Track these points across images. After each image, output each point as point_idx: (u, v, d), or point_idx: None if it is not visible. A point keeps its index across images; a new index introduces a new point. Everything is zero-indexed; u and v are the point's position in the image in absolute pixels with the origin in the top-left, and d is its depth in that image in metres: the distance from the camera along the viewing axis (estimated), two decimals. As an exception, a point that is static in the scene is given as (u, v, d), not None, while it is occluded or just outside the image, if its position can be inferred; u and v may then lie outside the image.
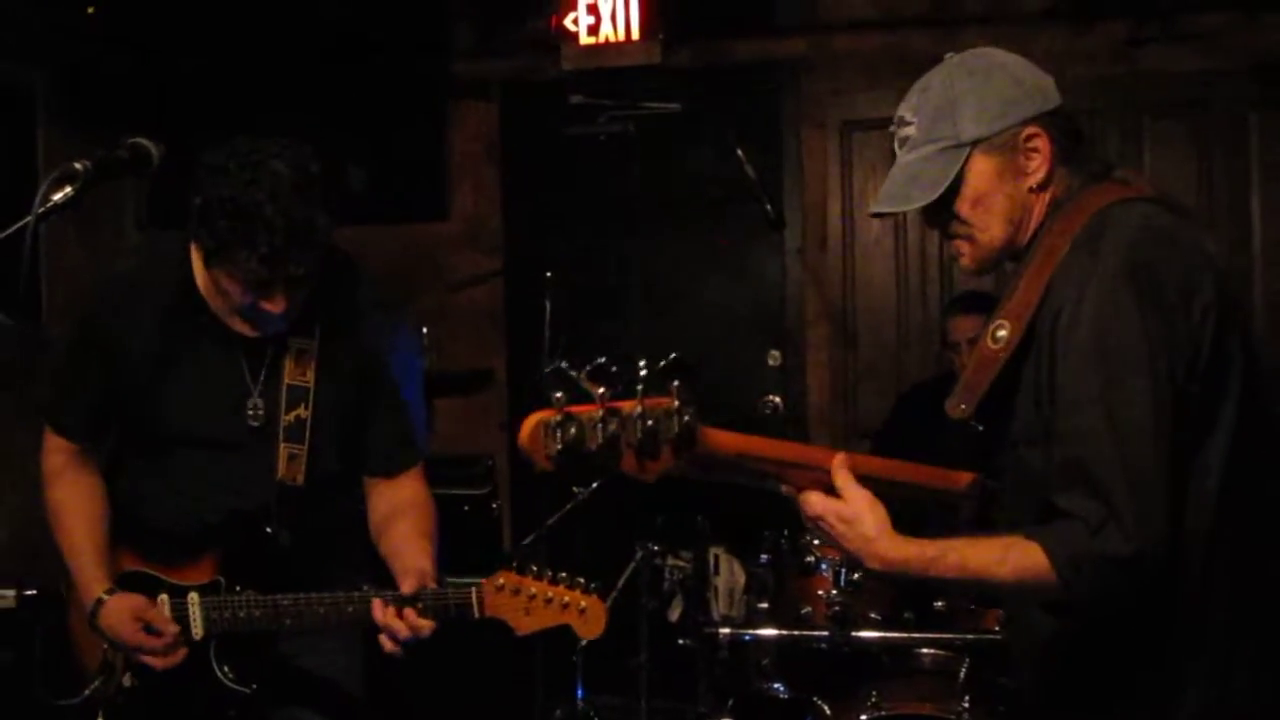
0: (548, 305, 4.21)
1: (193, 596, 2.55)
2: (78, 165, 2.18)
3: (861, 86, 5.40)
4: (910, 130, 2.09)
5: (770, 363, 5.66)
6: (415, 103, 5.73)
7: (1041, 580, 1.85)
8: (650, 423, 1.75)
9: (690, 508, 4.13)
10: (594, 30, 5.37)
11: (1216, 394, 1.92)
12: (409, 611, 2.41)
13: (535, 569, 2.44)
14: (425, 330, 5.63)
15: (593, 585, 2.44)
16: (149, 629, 2.52)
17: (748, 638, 3.90)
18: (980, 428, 2.09)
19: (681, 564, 4.19)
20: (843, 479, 1.94)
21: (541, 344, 4.28)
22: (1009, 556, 1.87)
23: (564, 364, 1.76)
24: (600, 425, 1.71)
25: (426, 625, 2.41)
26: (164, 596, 2.56)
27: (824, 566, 3.83)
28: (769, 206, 4.32)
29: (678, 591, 4.20)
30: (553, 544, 4.42)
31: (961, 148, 2.04)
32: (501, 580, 2.42)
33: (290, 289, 2.39)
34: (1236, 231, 5.03)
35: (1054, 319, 1.94)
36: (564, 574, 2.45)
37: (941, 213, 2.08)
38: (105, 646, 2.59)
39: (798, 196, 5.46)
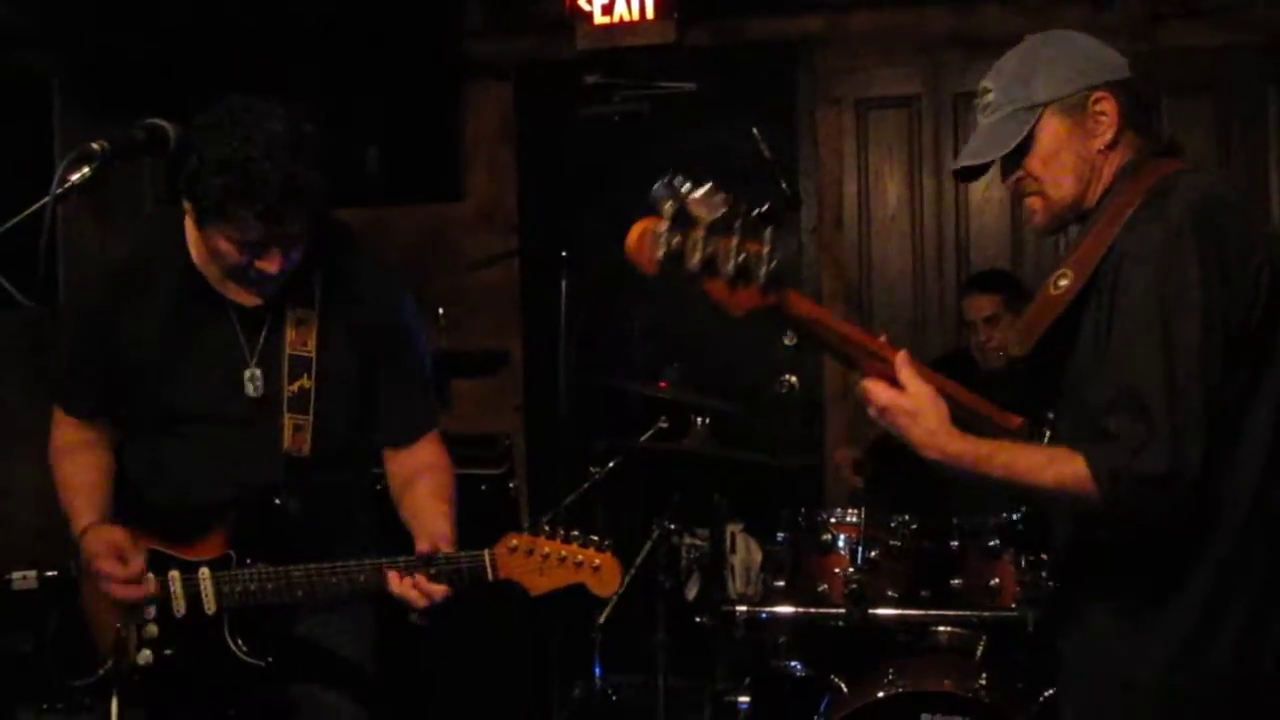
0: (564, 285, 4.20)
1: (204, 572, 2.55)
2: (95, 146, 2.19)
3: (877, 64, 5.38)
4: (990, 97, 2.29)
5: (786, 342, 5.64)
6: (429, 84, 5.71)
7: (1080, 490, 1.99)
8: (743, 258, 1.86)
9: (707, 486, 4.13)
10: (608, 9, 5.37)
11: (1266, 357, 2.07)
12: (421, 576, 2.40)
13: (548, 529, 2.43)
14: (441, 311, 5.64)
15: (606, 543, 2.41)
16: (119, 558, 2.52)
17: (764, 616, 3.92)
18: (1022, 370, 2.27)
19: (698, 542, 4.21)
20: (907, 373, 2.08)
21: (558, 324, 4.28)
22: (1053, 464, 2.03)
23: (679, 178, 1.82)
24: (701, 245, 1.83)
25: (440, 590, 2.40)
26: (174, 573, 2.56)
27: (841, 545, 3.84)
28: (785, 185, 4.30)
29: (695, 570, 4.22)
30: (570, 524, 4.43)
31: (1035, 108, 2.22)
32: (515, 541, 2.41)
33: (285, 247, 2.39)
34: (1255, 206, 4.99)
35: (1118, 265, 2.09)
36: (576, 532, 2.43)
37: (1015, 169, 2.26)
38: (118, 625, 2.60)
39: (813, 175, 5.43)
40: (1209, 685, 2.11)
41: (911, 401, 2.06)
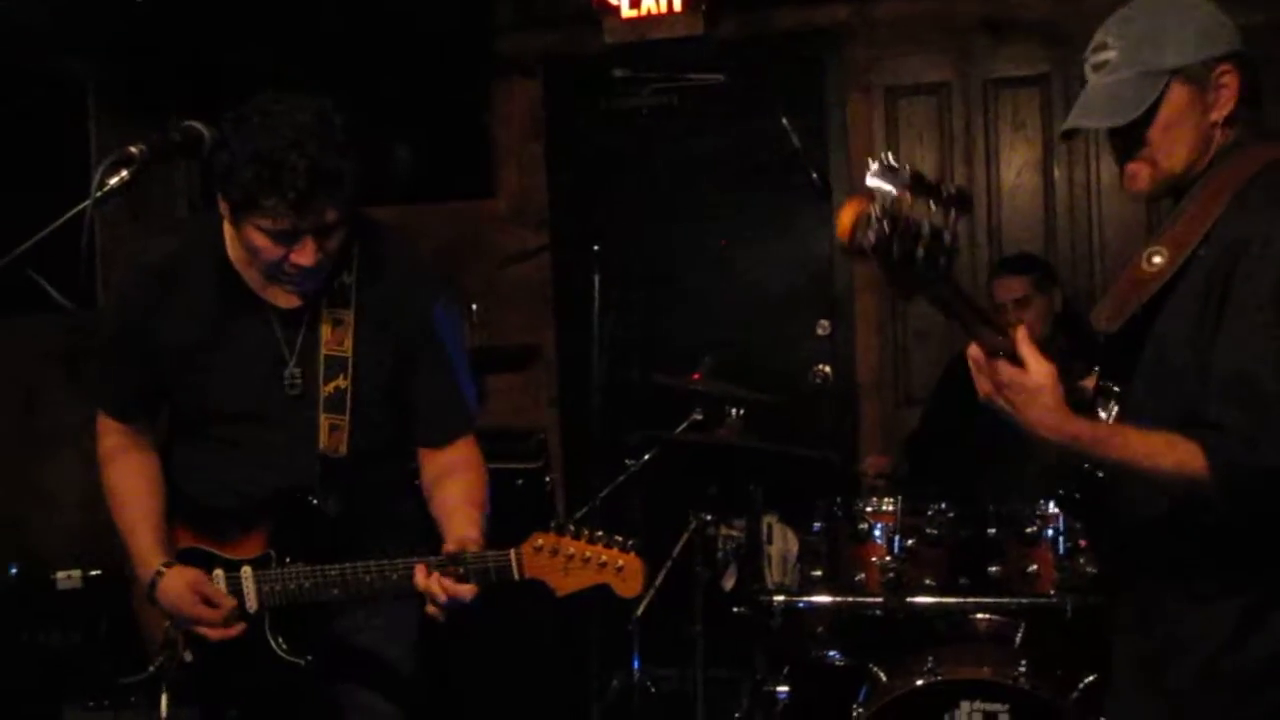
0: (596, 279, 4.21)
1: (245, 570, 2.58)
2: (133, 149, 2.22)
3: (905, 52, 5.35)
4: (1110, 54, 2.21)
5: (819, 332, 5.67)
6: (458, 81, 5.74)
7: (1196, 477, 1.98)
8: (934, 244, 1.78)
9: (742, 477, 4.14)
10: (636, 3, 5.37)
11: None
12: (448, 575, 2.41)
13: (573, 529, 2.43)
14: (475, 307, 5.67)
15: (630, 543, 2.41)
16: (206, 602, 2.56)
17: (802, 605, 3.93)
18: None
19: (735, 533, 4.21)
20: (1030, 349, 2.02)
21: (590, 318, 4.30)
22: (1172, 451, 2.01)
23: (894, 160, 1.82)
24: (903, 234, 1.76)
25: (466, 589, 2.41)
26: (219, 571, 2.60)
27: (877, 534, 3.84)
28: (815, 175, 4.30)
29: (731, 561, 4.22)
30: (606, 516, 4.44)
31: (1162, 74, 2.16)
32: (540, 541, 2.42)
33: (319, 238, 2.40)
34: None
35: (1235, 248, 2.05)
36: (601, 532, 2.43)
37: (1131, 134, 2.20)
38: (167, 624, 2.64)
39: (843, 164, 5.42)
40: (1254, 670, 2.10)
41: (1034, 379, 2.01)
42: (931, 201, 1.79)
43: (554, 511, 4.97)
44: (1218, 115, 2.17)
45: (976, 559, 3.81)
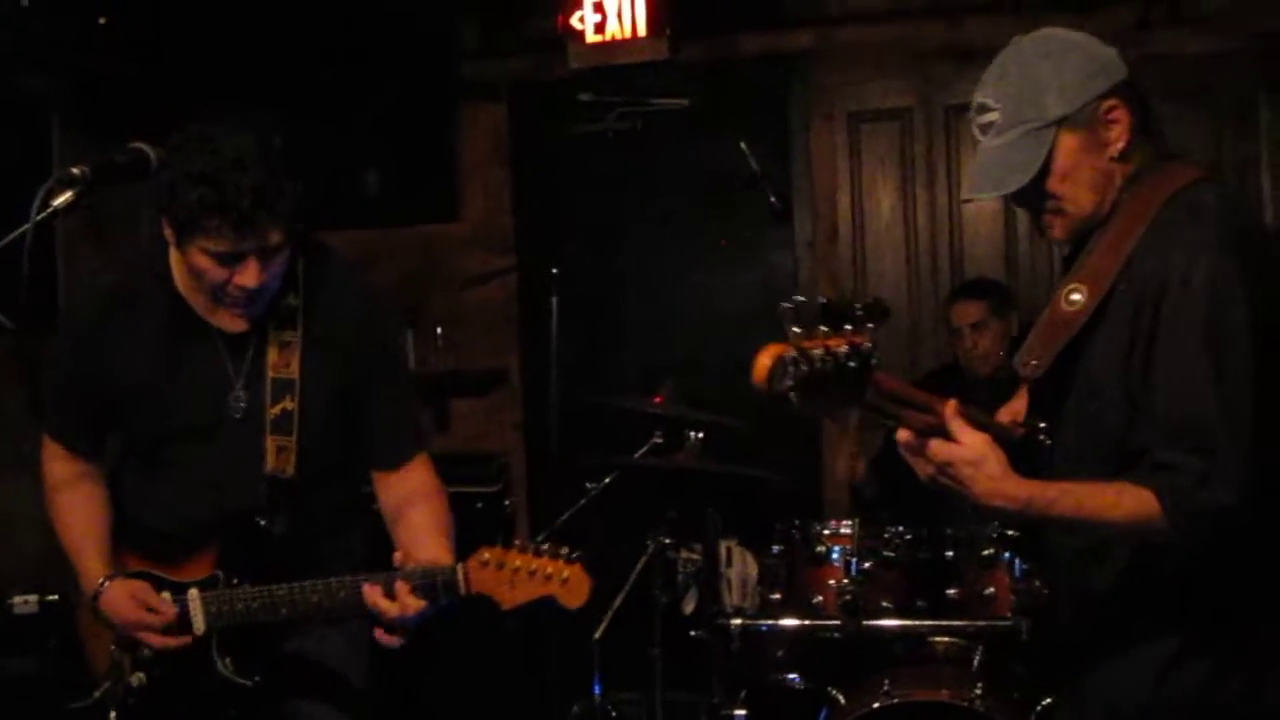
0: (554, 302, 4.22)
1: (192, 592, 2.58)
2: (75, 170, 2.22)
3: (869, 78, 5.40)
4: (994, 116, 2.20)
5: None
6: (424, 105, 5.75)
7: (1151, 524, 1.99)
8: (853, 365, 1.75)
9: (702, 500, 4.13)
10: (600, 28, 5.37)
11: None
12: (396, 591, 2.42)
13: (518, 543, 2.44)
14: (439, 330, 5.67)
15: (575, 554, 2.42)
16: (149, 609, 2.56)
17: (764, 628, 3.92)
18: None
19: (695, 557, 4.20)
20: (959, 424, 2.00)
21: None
22: (1123, 501, 2.00)
23: (802, 299, 1.76)
24: (821, 367, 1.72)
25: (416, 604, 2.41)
26: (165, 594, 2.60)
27: (835, 556, 3.84)
28: (774, 199, 4.32)
29: (691, 584, 4.21)
30: (567, 540, 4.42)
31: (1048, 127, 2.15)
32: (486, 556, 2.42)
33: (263, 260, 2.41)
34: (1248, 213, 5.00)
35: (1159, 283, 2.04)
36: (546, 545, 2.44)
37: (1033, 191, 2.19)
38: (113, 649, 2.63)
39: (807, 189, 5.46)
40: (1187, 704, 2.11)
41: (972, 451, 1.98)
42: (847, 325, 1.75)
43: (514, 536, 4.95)
44: (1114, 151, 2.17)
45: (934, 581, 3.81)
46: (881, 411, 1.92)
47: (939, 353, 5.07)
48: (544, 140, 5.71)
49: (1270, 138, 5.01)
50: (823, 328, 1.73)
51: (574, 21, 5.38)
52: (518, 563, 2.41)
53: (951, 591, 3.78)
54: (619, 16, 5.32)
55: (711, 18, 5.40)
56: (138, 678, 2.61)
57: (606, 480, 4.33)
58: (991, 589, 3.74)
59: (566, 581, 2.41)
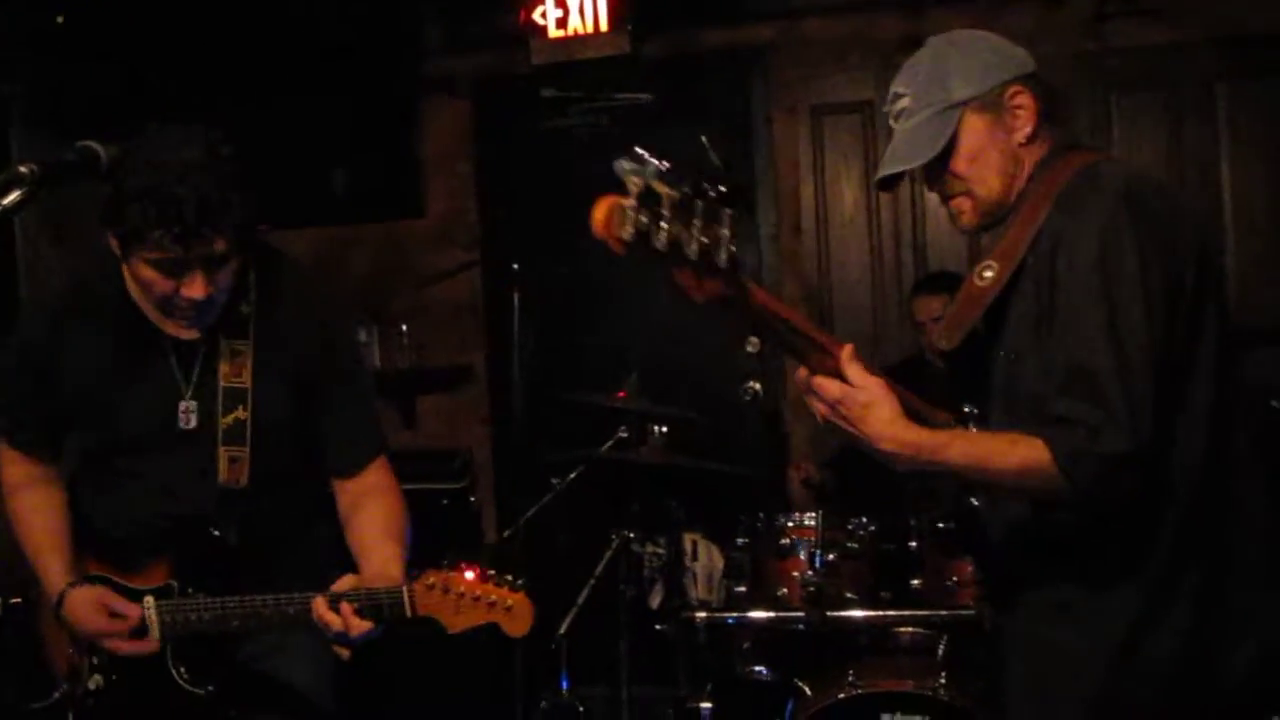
0: (516, 298, 4.22)
1: (148, 600, 2.56)
2: (23, 169, 2.17)
3: (831, 70, 5.41)
4: (905, 102, 2.28)
5: (749, 349, 5.66)
6: (387, 102, 5.73)
7: (1043, 473, 1.99)
8: (705, 242, 1.81)
9: (667, 494, 4.15)
10: (562, 23, 5.36)
11: (1196, 332, 2.09)
12: (343, 611, 2.42)
13: (464, 567, 2.45)
14: (405, 328, 5.66)
15: (520, 582, 2.45)
16: (113, 614, 2.54)
17: (731, 620, 3.93)
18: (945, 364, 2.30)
19: (660, 550, 4.21)
20: (855, 368, 2.04)
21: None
22: (1014, 449, 2.02)
23: (644, 154, 1.77)
24: (666, 227, 1.78)
25: (362, 625, 2.42)
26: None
27: (799, 549, 3.86)
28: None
29: (658, 578, 4.22)
30: (533, 536, 4.44)
31: (954, 108, 2.23)
32: (432, 580, 2.43)
33: (208, 271, 2.38)
34: (1207, 201, 5.03)
35: (1054, 244, 2.09)
36: (492, 571, 2.46)
37: (941, 172, 2.26)
38: (71, 651, 2.62)
39: (771, 182, 5.46)
40: (1145, 689, 2.11)
41: (865, 394, 2.02)
42: (698, 199, 1.79)
43: (480, 531, 4.95)
44: (1020, 135, 2.24)
45: (898, 572, 3.84)
46: (765, 327, 1.98)
47: (903, 346, 5.08)
48: (508, 136, 5.70)
49: (1229, 127, 5.05)
50: (668, 190, 1.77)
51: (536, 17, 5.37)
52: (463, 588, 2.43)
53: (915, 582, 3.81)
54: (581, 12, 5.32)
55: (673, 12, 5.40)
56: (95, 681, 2.59)
57: (572, 475, 4.34)
58: (955, 579, 3.77)
59: (510, 609, 2.43)
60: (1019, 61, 2.27)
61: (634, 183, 1.76)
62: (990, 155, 2.24)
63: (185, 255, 2.34)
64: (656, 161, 1.77)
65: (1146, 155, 5.06)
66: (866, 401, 2.02)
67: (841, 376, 2.03)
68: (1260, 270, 5.01)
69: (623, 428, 4.32)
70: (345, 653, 2.49)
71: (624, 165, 1.77)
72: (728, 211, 1.84)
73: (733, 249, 1.84)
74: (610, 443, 4.34)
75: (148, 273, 2.38)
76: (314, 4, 5.39)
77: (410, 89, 5.77)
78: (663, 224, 1.77)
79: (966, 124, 2.23)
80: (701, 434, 4.27)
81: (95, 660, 2.61)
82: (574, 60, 5.37)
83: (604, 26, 5.32)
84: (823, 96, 5.43)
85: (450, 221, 5.78)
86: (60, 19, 5.05)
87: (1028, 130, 2.24)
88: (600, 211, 1.78)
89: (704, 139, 4.25)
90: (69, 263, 2.70)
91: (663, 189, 1.77)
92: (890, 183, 2.35)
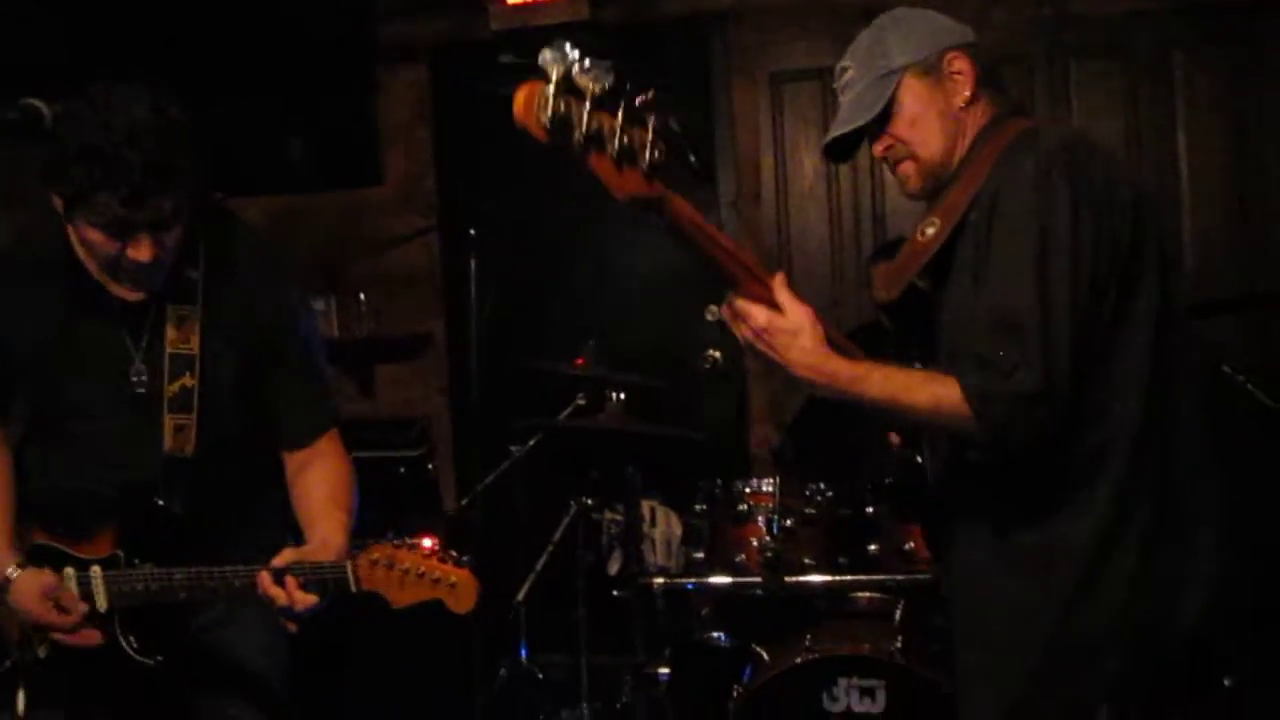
0: (473, 264, 4.19)
1: (95, 570, 2.52)
2: (-40, 127, 2.15)
3: (790, 38, 5.38)
4: (849, 74, 2.37)
5: (708, 318, 5.64)
6: (344, 68, 5.68)
7: (955, 410, 2.03)
8: (626, 140, 1.86)
9: (625, 461, 4.14)
10: (521, -12, 5.33)
11: (1132, 285, 2.11)
12: (288, 585, 2.40)
13: (410, 542, 2.44)
14: (362, 296, 5.62)
15: (465, 559, 2.43)
16: (59, 606, 2.50)
17: (689, 586, 3.93)
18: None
19: (619, 517, 4.21)
20: (786, 294, 2.09)
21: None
22: (928, 385, 2.07)
23: (568, 45, 1.80)
24: (586, 117, 1.82)
25: (307, 599, 2.39)
26: (69, 570, 2.53)
27: (757, 515, 3.86)
28: (693, 158, 4.31)
29: (616, 545, 4.22)
30: (492, 503, 4.43)
31: (893, 74, 2.30)
32: (376, 555, 2.41)
33: (156, 233, 2.33)
34: (1164, 168, 5.06)
35: (991, 200, 2.12)
36: (438, 547, 2.45)
37: (884, 136, 2.33)
38: (21, 622, 2.58)
39: (730, 149, 5.45)
40: (1099, 631, 2.13)
41: (791, 321, 2.06)
42: (621, 100, 1.84)
43: (439, 499, 4.94)
44: (959, 99, 2.30)
45: (855, 538, 3.84)
46: (696, 246, 2.01)
47: (862, 313, 5.09)
48: (466, 102, 5.65)
49: (1185, 96, 5.07)
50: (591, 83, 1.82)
51: (494, -18, 5.33)
52: (407, 564, 2.41)
53: (872, 547, 3.82)
54: (538, -24, 5.28)
55: (632, -22, 5.37)
56: (44, 649, 2.55)
57: (530, 443, 4.33)
58: (911, 544, 3.78)
59: (455, 586, 2.41)
60: (959, 33, 2.35)
61: (555, 72, 1.80)
62: (930, 118, 2.30)
63: (131, 217, 2.29)
64: (579, 55, 1.80)
65: (1104, 122, 5.07)
66: (793, 329, 2.07)
67: (770, 304, 2.07)
68: (1216, 237, 5.05)
69: (581, 395, 4.32)
70: (292, 626, 2.46)
71: (547, 54, 1.81)
72: (651, 117, 1.89)
73: (657, 154, 1.90)
74: (569, 410, 4.34)
75: (92, 234, 2.33)
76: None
77: (367, 55, 5.72)
78: (584, 113, 1.81)
79: (906, 88, 2.30)
80: (660, 400, 4.27)
81: (41, 654, 2.57)
82: (533, 26, 5.33)
83: (563, -8, 5.29)
84: (782, 63, 5.41)
85: (408, 189, 5.74)
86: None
87: (966, 94, 2.30)
88: (521, 95, 1.81)
89: (651, 93, 4.21)
90: (13, 223, 2.63)
91: (585, 81, 1.82)
92: (839, 153, 2.41)
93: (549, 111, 1.80)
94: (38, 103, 2.29)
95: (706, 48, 5.49)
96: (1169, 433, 2.15)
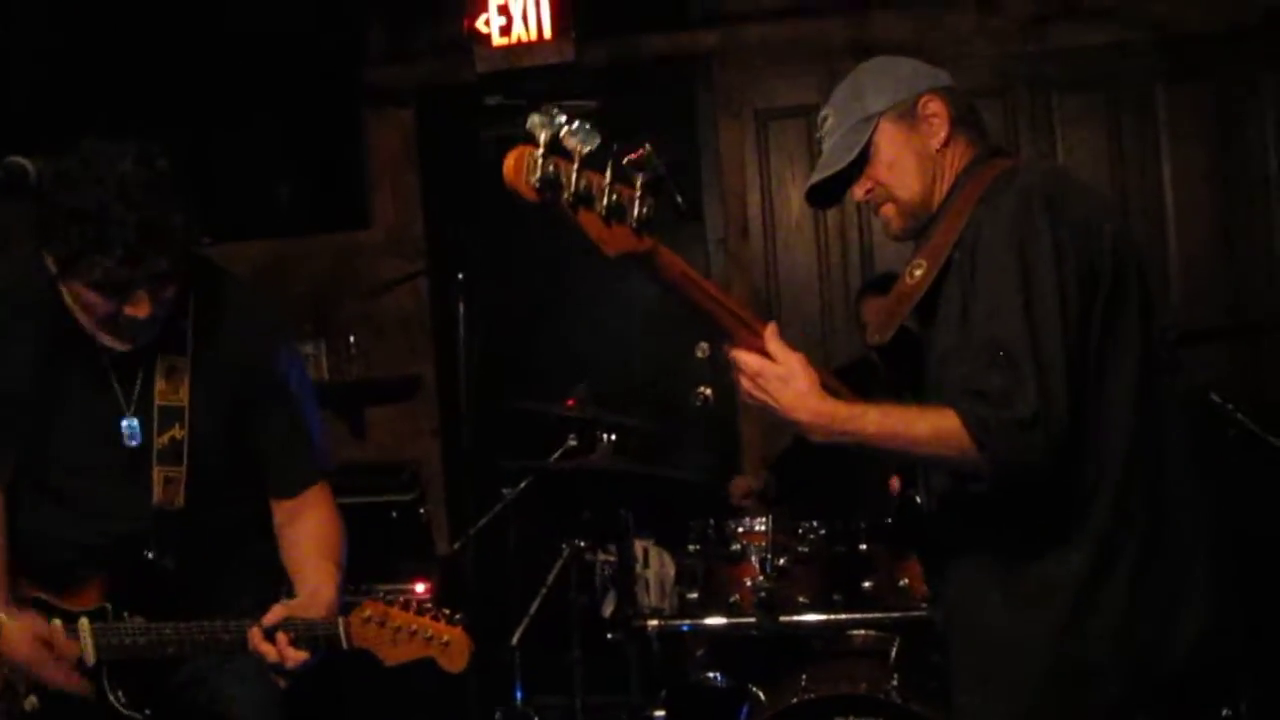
0: (461, 307, 4.19)
1: (83, 623, 2.51)
2: (-59, 185, 2.14)
3: (775, 75, 5.42)
4: (829, 123, 2.41)
5: (699, 355, 5.65)
6: (332, 112, 5.70)
7: (955, 441, 2.04)
8: (614, 198, 1.91)
9: (617, 502, 4.13)
10: (506, 31, 5.36)
11: (1117, 312, 2.14)
12: (279, 641, 2.40)
13: (403, 600, 2.44)
14: (352, 339, 5.62)
15: (458, 617, 2.43)
16: (51, 650, 2.49)
17: (686, 628, 3.92)
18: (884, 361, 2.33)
19: (612, 559, 4.19)
20: (776, 343, 2.11)
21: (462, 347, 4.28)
22: (926, 415, 2.08)
23: (555, 110, 1.83)
24: (575, 176, 1.86)
25: (298, 655, 2.40)
26: (56, 622, 2.53)
27: (751, 554, 3.84)
28: (679, 198, 4.32)
29: (609, 587, 4.20)
30: (484, 546, 4.41)
31: (870, 119, 2.34)
32: (368, 612, 2.41)
33: (153, 290, 2.33)
34: (1149, 200, 5.09)
35: (975, 238, 2.15)
36: (429, 605, 2.44)
37: (864, 180, 2.36)
38: (7, 670, 2.56)
39: (717, 186, 5.47)
40: (1097, 656, 2.13)
41: (783, 367, 2.09)
42: (609, 159, 1.88)
43: (431, 543, 4.92)
44: (936, 141, 2.33)
45: (849, 575, 3.82)
46: (688, 296, 2.04)
47: (851, 348, 5.09)
48: (453, 145, 5.67)
49: (1169, 127, 5.11)
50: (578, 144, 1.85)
51: (479, 25, 5.37)
52: (399, 622, 2.41)
53: (867, 584, 3.80)
54: (524, 19, 5.32)
55: (616, 19, 5.41)
56: (30, 702, 2.54)
57: (522, 485, 4.32)
58: (905, 580, 3.76)
59: (448, 645, 2.41)
60: (935, 76, 2.39)
61: (543, 134, 1.82)
62: (907, 160, 2.33)
63: (129, 277, 2.28)
64: (571, 118, 1.82)
65: (1087, 156, 5.11)
66: (784, 374, 2.09)
67: (763, 352, 2.10)
68: (1202, 268, 5.07)
69: (572, 436, 4.31)
70: (282, 682, 2.45)
71: (535, 119, 1.83)
72: (639, 175, 1.92)
73: (645, 210, 1.93)
74: (560, 451, 4.33)
75: (89, 295, 2.32)
76: (254, 14, 5.34)
77: (354, 99, 5.74)
78: (572, 173, 1.85)
79: (882, 132, 2.33)
80: (651, 441, 4.26)
81: (28, 708, 2.55)
82: (518, 68, 5.37)
83: (548, 34, 5.32)
84: (767, 101, 5.44)
85: (396, 232, 5.75)
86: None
87: (942, 135, 2.33)
88: (510, 160, 1.84)
89: (648, 145, 4.23)
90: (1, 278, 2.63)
91: (572, 142, 1.84)
92: (820, 199, 2.45)
93: (538, 174, 1.83)
94: (23, 160, 2.29)
95: (692, 86, 5.52)
96: (1158, 464, 2.17)
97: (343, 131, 5.74)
